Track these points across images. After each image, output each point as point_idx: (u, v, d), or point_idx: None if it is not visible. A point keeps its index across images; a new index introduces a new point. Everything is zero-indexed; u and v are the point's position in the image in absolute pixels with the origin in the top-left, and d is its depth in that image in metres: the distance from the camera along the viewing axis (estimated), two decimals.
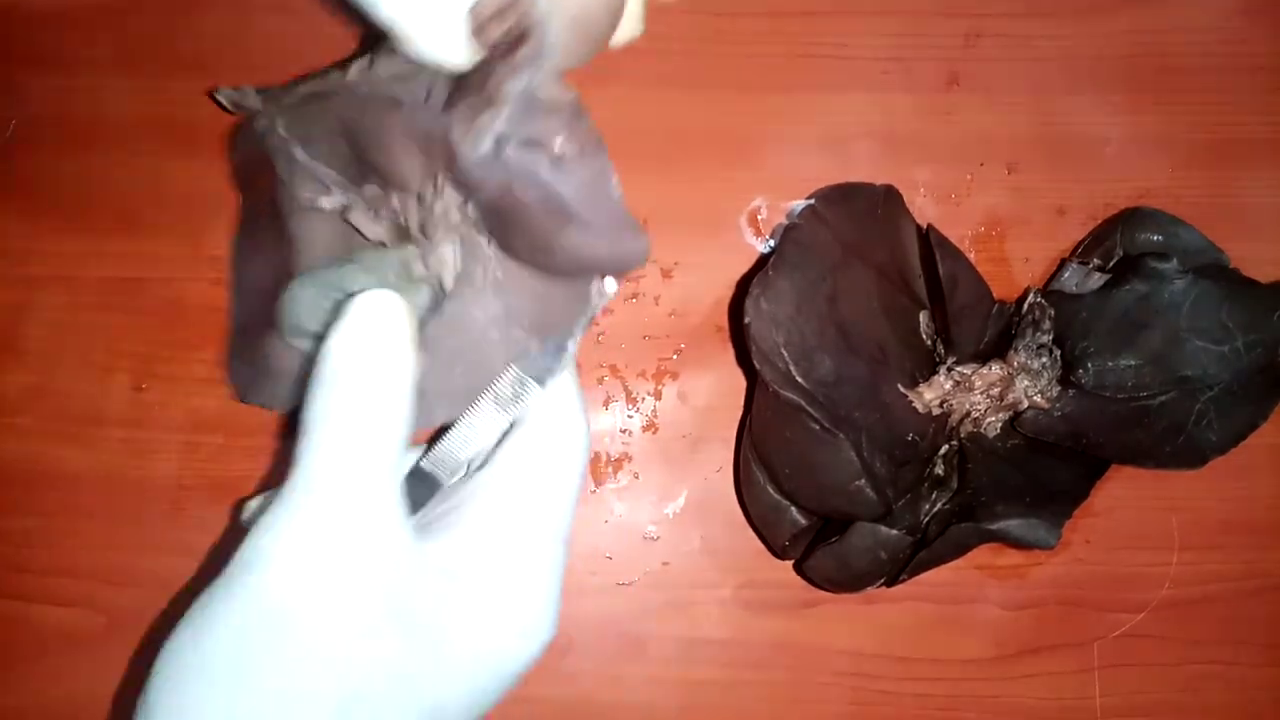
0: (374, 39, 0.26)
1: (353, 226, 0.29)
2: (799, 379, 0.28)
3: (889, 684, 0.34)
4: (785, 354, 0.28)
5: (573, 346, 0.26)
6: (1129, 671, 0.34)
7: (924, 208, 0.36)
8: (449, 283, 0.27)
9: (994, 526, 0.29)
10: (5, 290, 0.35)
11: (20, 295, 0.34)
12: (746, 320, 0.28)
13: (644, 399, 0.35)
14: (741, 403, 0.35)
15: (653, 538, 0.34)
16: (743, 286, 0.35)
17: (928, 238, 0.31)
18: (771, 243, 0.35)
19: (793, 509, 0.31)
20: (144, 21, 0.36)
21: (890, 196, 0.31)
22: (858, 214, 0.30)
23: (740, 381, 0.35)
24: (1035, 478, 0.31)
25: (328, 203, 0.29)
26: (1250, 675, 0.35)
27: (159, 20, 0.36)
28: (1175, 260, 0.30)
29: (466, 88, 0.24)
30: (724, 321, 0.35)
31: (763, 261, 0.30)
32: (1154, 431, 0.31)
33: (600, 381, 0.35)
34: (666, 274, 0.35)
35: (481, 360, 0.26)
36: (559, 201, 0.24)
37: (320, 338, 0.25)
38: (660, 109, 0.36)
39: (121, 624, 0.33)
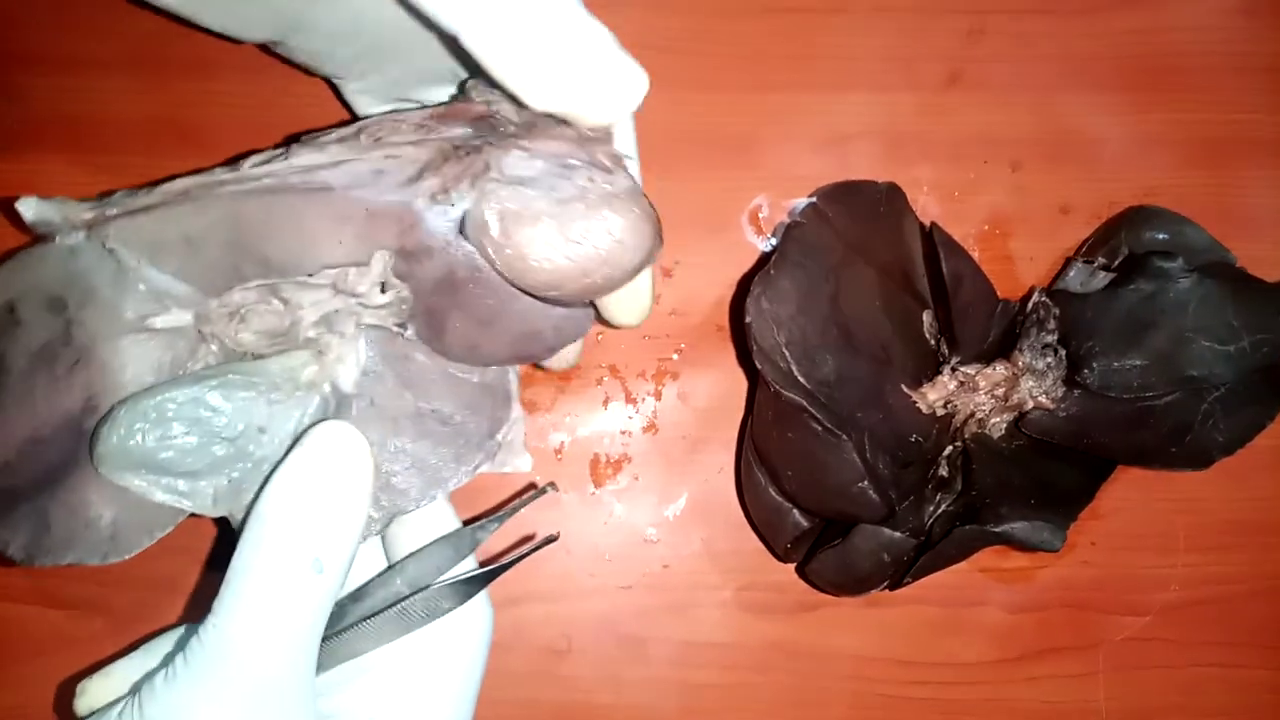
0: (292, 137, 0.26)
1: (210, 341, 0.26)
2: (801, 379, 0.28)
3: (892, 688, 0.34)
4: (787, 353, 0.28)
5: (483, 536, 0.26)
6: (1135, 674, 0.34)
7: (927, 206, 0.35)
8: (346, 384, 0.26)
9: (999, 529, 0.28)
10: None
11: None
12: (748, 319, 0.28)
13: (644, 399, 0.35)
14: (743, 403, 0.35)
15: (653, 540, 0.34)
16: (744, 286, 0.35)
17: (931, 236, 0.31)
18: (773, 241, 0.35)
19: (794, 511, 0.31)
20: (144, 21, 0.36)
21: (893, 194, 0.31)
22: (860, 212, 0.30)
23: (741, 382, 0.35)
24: (1040, 479, 0.31)
25: (163, 321, 0.26)
26: (1257, 678, 0.35)
27: (159, 20, 0.36)
28: (1181, 259, 0.30)
29: (446, 164, 0.24)
30: (725, 321, 0.35)
31: (764, 260, 0.30)
32: (1160, 432, 0.30)
33: (600, 382, 0.35)
34: (667, 273, 0.35)
35: (399, 460, 0.26)
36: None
37: (166, 471, 0.24)
38: (661, 109, 0.35)
39: (121, 624, 0.33)
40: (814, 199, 0.30)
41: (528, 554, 0.25)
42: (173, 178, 0.26)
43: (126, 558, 0.26)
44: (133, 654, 0.24)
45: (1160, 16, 0.37)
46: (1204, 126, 0.36)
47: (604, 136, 0.25)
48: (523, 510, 0.34)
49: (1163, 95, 0.36)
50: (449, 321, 0.26)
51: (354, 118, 0.31)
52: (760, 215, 0.35)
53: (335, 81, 0.30)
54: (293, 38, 0.27)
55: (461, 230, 0.24)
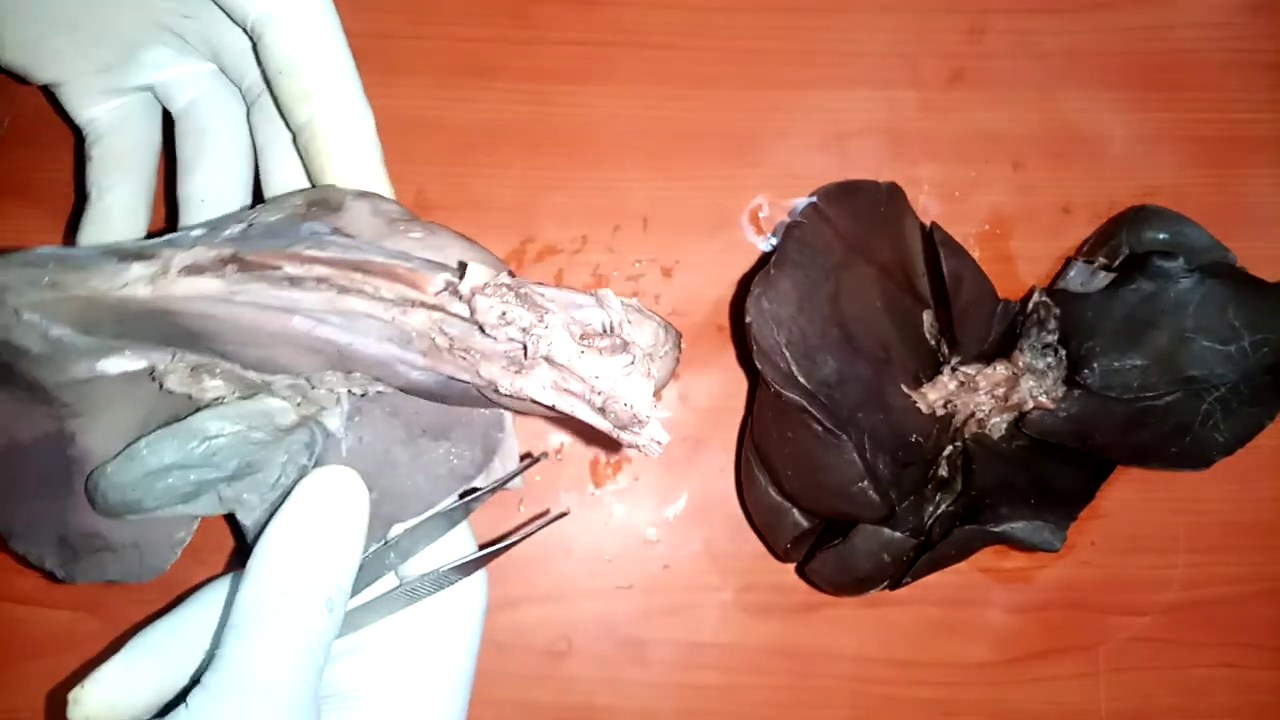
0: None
1: (169, 390, 0.24)
2: (801, 379, 0.28)
3: (892, 688, 0.34)
4: (787, 354, 0.28)
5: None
6: (1135, 675, 0.34)
7: (927, 205, 0.35)
8: (334, 424, 0.25)
9: (998, 529, 0.28)
10: None
11: None
12: (748, 319, 0.28)
13: None
14: (743, 403, 0.35)
15: (653, 540, 0.34)
16: (744, 285, 0.35)
17: (931, 236, 0.31)
18: (773, 241, 0.35)
19: (794, 511, 0.31)
20: None
21: (893, 194, 0.31)
22: (861, 212, 0.30)
23: (742, 382, 0.35)
24: (1040, 479, 0.31)
25: (115, 366, 0.24)
26: (1257, 678, 0.35)
27: None
28: (1181, 259, 0.30)
29: (440, 354, 0.22)
30: (725, 321, 0.35)
31: (764, 260, 0.29)
32: (1160, 432, 0.30)
33: None
34: (667, 272, 0.35)
35: (395, 482, 0.25)
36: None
37: (168, 508, 0.24)
38: (661, 106, 0.36)
39: (120, 626, 0.33)
40: (814, 199, 0.29)
41: (537, 530, 0.25)
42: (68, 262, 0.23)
43: (162, 573, 0.26)
44: (119, 655, 0.24)
45: (1164, 14, 0.36)
46: (1207, 125, 0.36)
47: (622, 386, 0.22)
48: (521, 510, 0.34)
49: (1166, 93, 0.36)
50: (439, 400, 0.25)
51: (76, 131, 0.30)
52: (760, 215, 0.35)
53: (54, 89, 0.29)
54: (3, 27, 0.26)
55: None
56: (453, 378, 0.23)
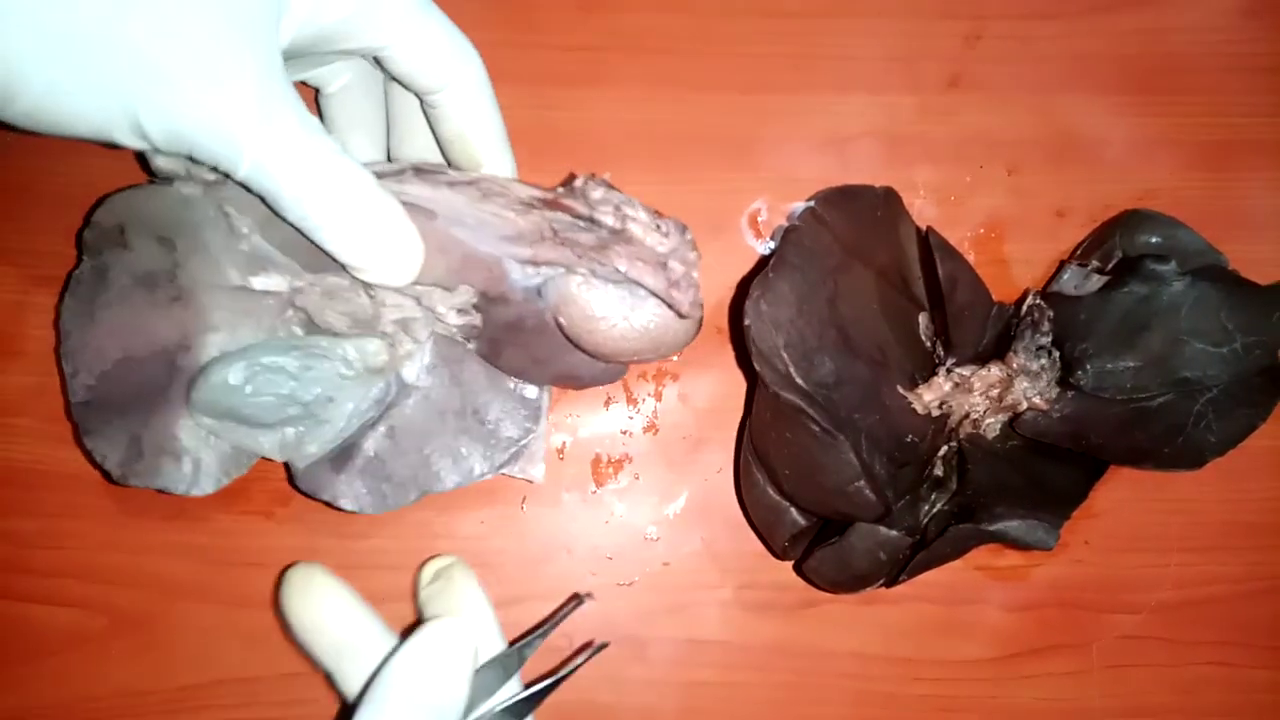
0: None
1: (299, 310, 0.29)
2: (799, 381, 0.28)
3: (889, 685, 0.34)
4: (785, 356, 0.28)
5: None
6: (1128, 673, 0.35)
7: (924, 209, 0.36)
8: (409, 375, 0.30)
9: (993, 528, 0.29)
10: (4, 290, 0.35)
11: (20, 295, 0.34)
12: (746, 322, 0.28)
13: (644, 400, 0.35)
14: (742, 404, 0.35)
15: (653, 539, 0.34)
16: (743, 288, 0.35)
17: (927, 239, 0.31)
18: (772, 244, 0.35)
19: (792, 510, 0.31)
20: None
21: (890, 198, 0.31)
22: (858, 216, 0.30)
23: (741, 383, 0.35)
24: (1035, 479, 0.31)
25: (261, 283, 0.29)
26: (1250, 677, 0.35)
27: None
28: (1174, 262, 0.30)
29: (543, 243, 0.27)
30: (724, 323, 0.35)
31: (763, 263, 0.30)
32: (1153, 433, 0.31)
33: None
34: None
35: (440, 447, 0.30)
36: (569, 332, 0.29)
37: (246, 422, 0.28)
38: (660, 110, 0.36)
39: (122, 625, 0.33)
40: (812, 203, 0.30)
41: (578, 666, 0.28)
42: None
43: (206, 493, 0.29)
44: None
45: (1160, 17, 0.37)
46: (1203, 128, 0.36)
47: (681, 249, 0.29)
48: (524, 510, 0.34)
49: (1162, 97, 0.36)
50: (506, 350, 0.30)
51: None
52: (759, 218, 0.35)
53: None
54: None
55: (540, 293, 0.28)
56: (550, 268, 0.28)
